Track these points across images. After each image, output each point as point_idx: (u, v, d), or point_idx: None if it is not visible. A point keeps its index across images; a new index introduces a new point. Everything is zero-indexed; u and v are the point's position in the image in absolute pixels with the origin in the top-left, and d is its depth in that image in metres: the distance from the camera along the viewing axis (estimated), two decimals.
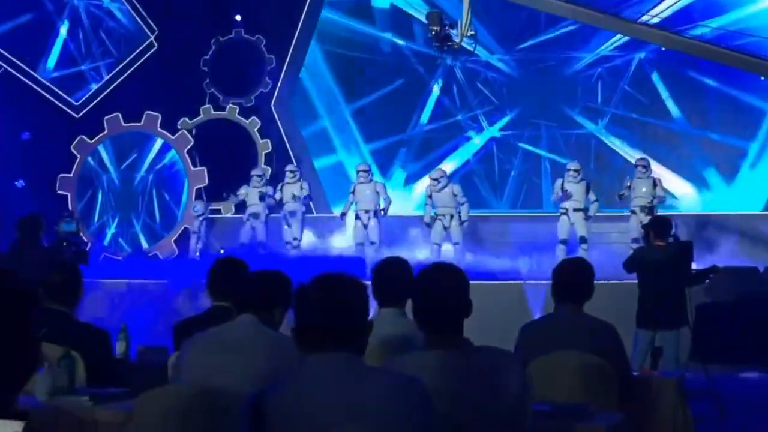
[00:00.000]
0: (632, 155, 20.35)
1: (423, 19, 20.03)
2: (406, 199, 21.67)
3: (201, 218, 18.79)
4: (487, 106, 22.83)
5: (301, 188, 18.23)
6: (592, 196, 17.19)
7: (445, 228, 17.51)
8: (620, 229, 17.64)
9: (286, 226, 18.25)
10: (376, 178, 18.85)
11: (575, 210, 17.11)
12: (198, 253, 18.52)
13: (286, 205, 18.23)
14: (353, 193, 17.98)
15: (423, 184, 20.33)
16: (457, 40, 15.93)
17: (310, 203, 18.71)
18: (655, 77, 21.86)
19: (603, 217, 18.01)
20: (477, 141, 22.75)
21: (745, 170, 21.08)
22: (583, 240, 17.01)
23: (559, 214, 17.32)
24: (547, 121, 22.51)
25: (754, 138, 20.99)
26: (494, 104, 22.76)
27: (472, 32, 15.63)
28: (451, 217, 17.51)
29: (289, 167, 18.73)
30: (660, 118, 21.88)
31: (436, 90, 22.83)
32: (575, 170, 17.21)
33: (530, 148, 22.54)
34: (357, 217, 17.95)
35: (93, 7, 21.55)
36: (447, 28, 15.92)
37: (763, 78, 16.30)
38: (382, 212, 17.89)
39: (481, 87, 22.80)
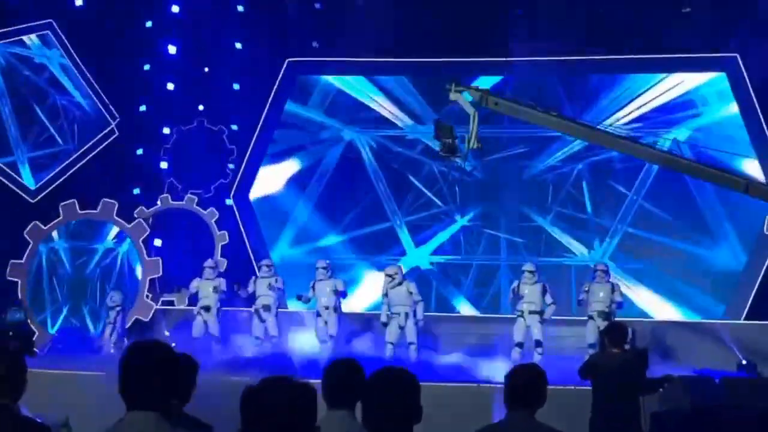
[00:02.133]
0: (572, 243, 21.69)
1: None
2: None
3: (117, 309, 18.54)
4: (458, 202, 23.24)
5: (276, 281, 18.09)
6: (548, 299, 17.16)
7: (401, 327, 17.39)
8: (577, 333, 17.60)
9: (257, 321, 18.04)
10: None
11: (531, 312, 17.07)
12: (113, 345, 18.20)
13: (260, 298, 18.04)
14: (313, 288, 17.91)
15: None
16: (465, 152, 16.28)
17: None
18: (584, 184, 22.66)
19: (560, 321, 17.98)
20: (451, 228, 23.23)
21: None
22: (538, 344, 16.91)
23: (515, 316, 17.28)
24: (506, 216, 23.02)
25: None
26: (464, 201, 23.20)
27: (479, 145, 15.99)
28: (407, 315, 17.41)
29: (264, 261, 18.70)
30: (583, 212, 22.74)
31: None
32: (530, 272, 17.22)
33: (492, 231, 22.97)
34: (317, 314, 17.85)
35: (56, 92, 21.52)
36: (456, 140, 16.29)
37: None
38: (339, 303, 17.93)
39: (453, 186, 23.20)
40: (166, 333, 18.08)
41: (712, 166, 15.85)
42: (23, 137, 21.06)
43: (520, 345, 17.01)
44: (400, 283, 17.52)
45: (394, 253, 22.76)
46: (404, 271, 18.60)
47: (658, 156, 16.36)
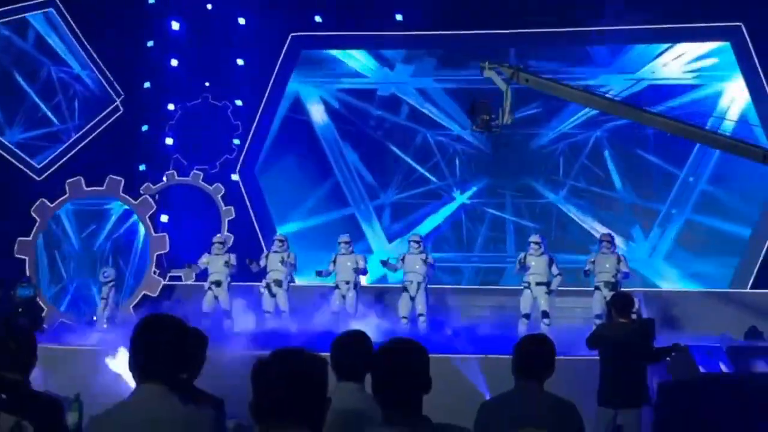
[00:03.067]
0: (588, 224, 21.36)
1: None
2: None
3: (111, 284, 18.62)
4: (458, 176, 23.25)
5: (288, 256, 18.12)
6: (554, 270, 17.16)
7: (412, 298, 17.49)
8: (584, 304, 17.62)
9: (268, 295, 18.09)
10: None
11: (537, 284, 17.08)
12: (106, 320, 18.28)
13: (271, 273, 18.08)
14: (334, 262, 17.98)
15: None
16: (499, 128, 16.64)
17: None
18: (606, 153, 22.47)
19: (567, 291, 18.01)
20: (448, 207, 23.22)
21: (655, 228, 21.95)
22: (545, 314, 16.94)
23: (522, 287, 17.31)
24: (512, 191, 22.91)
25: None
26: (464, 175, 23.18)
27: (512, 120, 16.28)
28: (419, 285, 17.49)
29: (277, 236, 18.65)
30: (609, 189, 22.50)
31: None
32: (536, 243, 17.25)
33: (497, 212, 22.99)
34: (336, 286, 17.93)
35: (61, 72, 21.52)
36: (492, 117, 16.53)
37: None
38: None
39: (453, 159, 23.21)
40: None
41: (729, 136, 15.84)
42: (28, 115, 21.06)
43: (527, 316, 17.04)
44: (420, 252, 17.69)
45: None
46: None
47: (681, 128, 16.30)
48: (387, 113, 23.48)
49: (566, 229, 22.43)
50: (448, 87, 23.22)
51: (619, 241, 20.55)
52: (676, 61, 21.73)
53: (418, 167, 23.27)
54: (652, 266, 21.62)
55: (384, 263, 18.14)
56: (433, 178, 23.35)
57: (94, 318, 18.62)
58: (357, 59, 23.25)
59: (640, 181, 22.44)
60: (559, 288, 17.37)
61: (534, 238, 17.51)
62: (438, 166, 23.38)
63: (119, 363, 12.77)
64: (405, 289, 17.70)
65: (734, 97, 21.19)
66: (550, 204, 22.79)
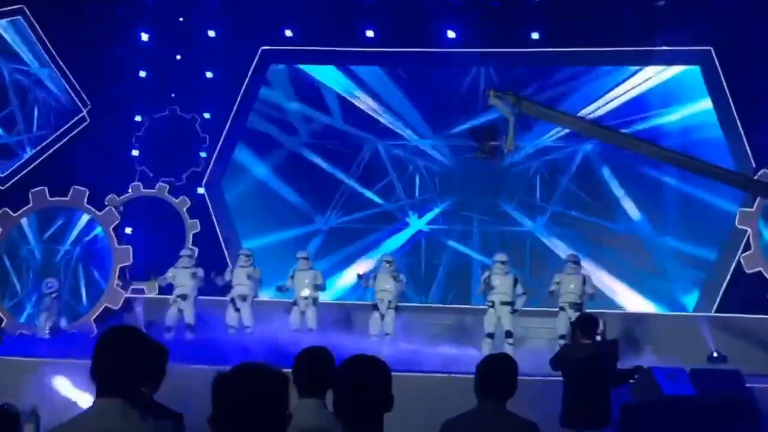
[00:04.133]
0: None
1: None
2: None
3: (54, 295, 18.45)
4: (416, 196, 22.98)
5: (254, 271, 18.07)
6: (519, 289, 17.17)
7: (382, 316, 17.56)
8: (548, 324, 17.62)
9: (232, 310, 17.98)
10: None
11: (502, 303, 17.09)
12: (47, 331, 18.11)
13: (236, 288, 17.99)
14: (292, 278, 17.95)
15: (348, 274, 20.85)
16: (502, 155, 16.75)
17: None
18: (605, 172, 22.08)
19: (531, 312, 18.00)
20: (404, 233, 22.79)
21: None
22: (508, 334, 16.96)
23: (486, 306, 17.30)
24: (480, 215, 22.51)
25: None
26: (424, 195, 22.90)
27: (515, 147, 16.39)
28: (389, 303, 17.52)
29: (243, 251, 18.74)
30: (608, 218, 22.01)
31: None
32: (502, 262, 17.25)
33: (461, 247, 22.49)
34: (295, 303, 17.89)
35: (26, 80, 21.35)
36: (499, 142, 16.67)
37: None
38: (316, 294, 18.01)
39: (412, 176, 22.99)
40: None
41: (710, 164, 15.98)
42: None
43: (490, 335, 17.05)
44: (391, 270, 17.78)
45: None
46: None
47: (670, 156, 16.39)
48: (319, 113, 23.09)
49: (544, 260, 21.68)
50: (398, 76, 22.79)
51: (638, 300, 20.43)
52: (644, 85, 21.78)
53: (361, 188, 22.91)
54: None
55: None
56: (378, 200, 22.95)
57: (32, 331, 18.37)
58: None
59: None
60: (524, 308, 17.37)
61: (499, 257, 17.50)
62: (390, 184, 22.95)
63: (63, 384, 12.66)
64: (375, 307, 17.68)
65: (702, 121, 21.26)
66: (524, 234, 22.38)
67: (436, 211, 22.80)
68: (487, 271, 17.58)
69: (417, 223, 22.84)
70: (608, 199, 21.89)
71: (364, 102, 22.82)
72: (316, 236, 22.60)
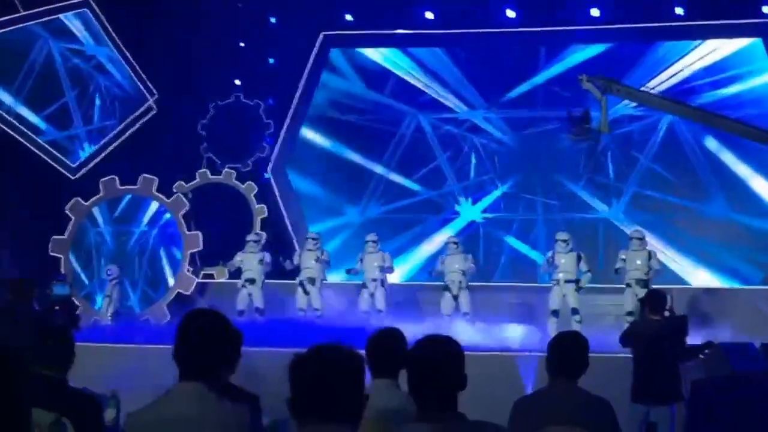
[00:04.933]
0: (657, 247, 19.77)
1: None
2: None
3: (114, 282, 18.70)
4: (475, 178, 22.87)
5: (322, 254, 18.22)
6: (583, 267, 17.12)
7: (455, 297, 17.60)
8: (615, 302, 17.56)
9: (301, 293, 18.16)
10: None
11: (566, 281, 17.07)
12: (110, 316, 18.39)
13: (304, 271, 18.15)
14: (361, 261, 18.10)
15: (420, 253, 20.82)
16: (598, 138, 16.93)
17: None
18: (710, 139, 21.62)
19: (598, 289, 17.95)
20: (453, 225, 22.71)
21: None
22: (574, 311, 16.94)
23: (551, 284, 17.30)
24: (545, 199, 22.36)
25: None
26: (483, 177, 22.78)
27: (609, 129, 16.54)
28: (460, 283, 17.57)
29: (310, 234, 18.78)
30: (695, 199, 21.73)
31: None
32: (564, 240, 17.21)
33: (522, 247, 22.27)
34: (363, 285, 18.05)
35: (95, 70, 21.65)
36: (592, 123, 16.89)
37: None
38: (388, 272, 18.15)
39: (470, 155, 22.92)
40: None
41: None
42: (64, 114, 21.22)
43: (555, 313, 17.05)
44: (459, 252, 17.84)
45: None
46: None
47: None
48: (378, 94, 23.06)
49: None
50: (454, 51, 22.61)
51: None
52: (706, 59, 21.53)
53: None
54: None
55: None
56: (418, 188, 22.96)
57: (95, 318, 18.68)
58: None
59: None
60: (590, 285, 17.33)
61: (561, 235, 17.47)
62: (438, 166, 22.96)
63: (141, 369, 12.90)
64: (447, 288, 17.75)
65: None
66: (597, 221, 22.08)
67: (496, 194, 22.68)
68: (550, 250, 17.56)
69: (470, 212, 22.78)
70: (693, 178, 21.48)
71: (420, 80, 22.77)
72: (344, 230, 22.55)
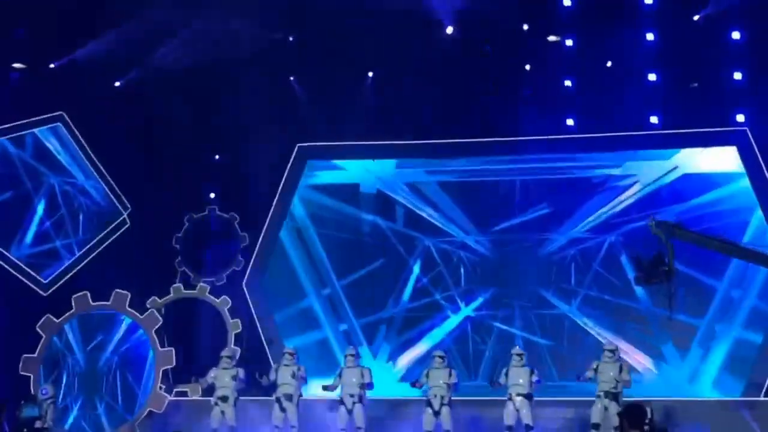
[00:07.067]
0: (604, 336, 20.81)
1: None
2: (389, 373, 21.87)
3: (48, 401, 17.98)
4: (462, 286, 23.21)
5: (299, 369, 17.96)
6: (534, 378, 17.24)
7: (436, 413, 17.39)
8: (576, 415, 17.66)
9: (277, 409, 17.86)
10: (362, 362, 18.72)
11: (518, 395, 17.13)
12: None
13: (281, 387, 17.87)
14: (339, 376, 17.89)
15: (405, 358, 21.67)
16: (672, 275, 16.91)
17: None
18: (623, 259, 22.17)
19: (562, 402, 18.13)
20: (452, 320, 22.97)
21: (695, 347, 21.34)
22: (528, 428, 17.02)
23: (507, 398, 17.22)
24: (521, 302, 22.68)
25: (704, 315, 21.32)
26: (469, 285, 23.12)
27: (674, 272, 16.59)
28: (442, 398, 17.37)
29: (287, 349, 18.59)
30: (628, 298, 22.02)
31: (416, 270, 23.21)
32: (519, 355, 17.46)
33: (504, 327, 22.70)
34: (341, 401, 17.77)
35: (67, 185, 21.62)
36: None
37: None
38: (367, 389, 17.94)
39: (457, 268, 23.23)
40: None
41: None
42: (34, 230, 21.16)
43: (510, 429, 17.09)
44: (444, 366, 17.69)
45: None
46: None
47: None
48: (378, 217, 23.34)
49: (581, 344, 21.97)
50: (443, 180, 23.05)
51: (648, 362, 20.78)
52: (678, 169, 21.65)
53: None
54: (695, 394, 20.46)
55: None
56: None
57: None
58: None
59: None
60: (557, 398, 17.31)
61: (516, 350, 17.74)
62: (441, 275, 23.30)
63: None
64: (429, 404, 17.51)
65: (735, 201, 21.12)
66: (562, 316, 22.57)
67: (480, 300, 23.02)
68: (505, 367, 17.59)
69: (465, 310, 23.19)
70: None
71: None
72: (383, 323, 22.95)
